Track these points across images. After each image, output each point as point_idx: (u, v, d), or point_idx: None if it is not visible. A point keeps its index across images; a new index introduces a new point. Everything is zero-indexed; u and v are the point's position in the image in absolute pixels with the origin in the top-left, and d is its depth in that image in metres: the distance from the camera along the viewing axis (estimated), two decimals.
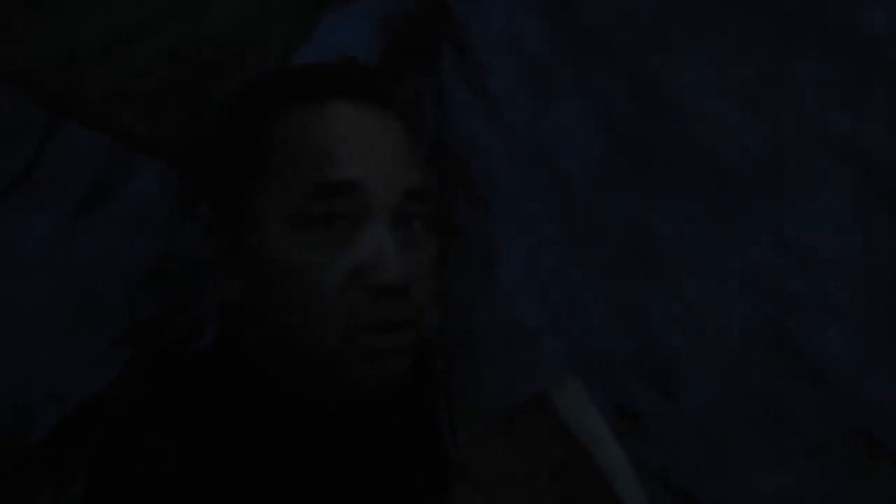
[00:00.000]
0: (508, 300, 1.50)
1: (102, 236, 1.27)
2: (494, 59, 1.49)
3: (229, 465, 0.57)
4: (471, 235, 1.53)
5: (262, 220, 0.60)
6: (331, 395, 0.63)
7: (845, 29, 1.22)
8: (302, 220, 0.58)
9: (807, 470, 1.26)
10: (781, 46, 1.28)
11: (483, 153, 1.52)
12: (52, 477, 1.22)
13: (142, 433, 0.58)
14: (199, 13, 1.24)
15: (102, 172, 1.27)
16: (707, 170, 1.35)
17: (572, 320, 1.45)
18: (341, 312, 0.58)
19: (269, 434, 0.61)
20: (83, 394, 1.25)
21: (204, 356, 0.66)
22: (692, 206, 1.37)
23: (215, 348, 0.66)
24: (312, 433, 0.63)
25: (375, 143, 0.61)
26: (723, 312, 1.34)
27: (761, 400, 1.30)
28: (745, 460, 1.31)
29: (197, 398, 0.61)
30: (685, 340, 1.36)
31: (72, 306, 1.24)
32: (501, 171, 1.51)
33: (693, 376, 1.35)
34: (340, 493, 0.64)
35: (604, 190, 1.44)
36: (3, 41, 1.13)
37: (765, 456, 1.29)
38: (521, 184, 1.50)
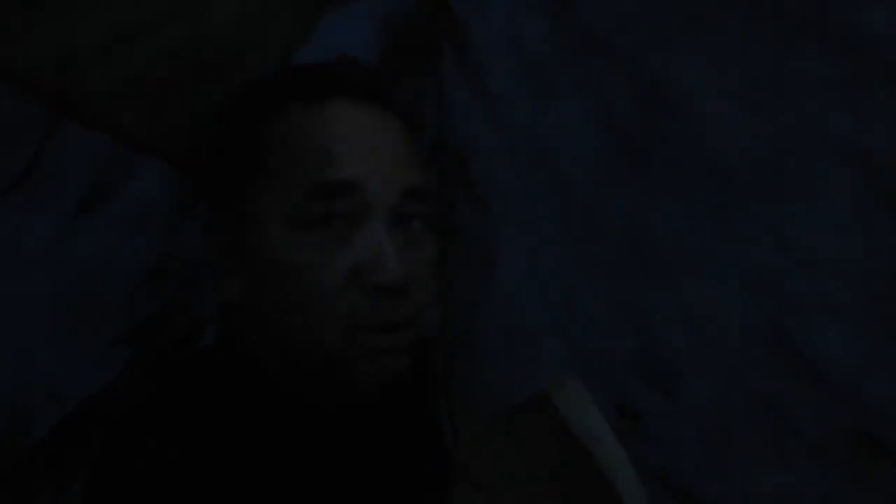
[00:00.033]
0: (508, 300, 1.50)
1: (102, 236, 1.27)
2: (494, 59, 1.49)
3: (229, 466, 0.57)
4: (471, 235, 1.53)
5: (262, 220, 0.60)
6: (331, 395, 0.63)
7: (845, 29, 1.22)
8: (302, 220, 0.58)
9: (807, 470, 1.26)
10: (781, 46, 1.28)
11: (483, 153, 1.52)
12: (52, 477, 1.22)
13: (142, 433, 0.58)
14: (199, 13, 1.24)
15: (102, 172, 1.27)
16: (707, 170, 1.35)
17: (572, 320, 1.45)
18: (341, 312, 0.58)
19: (269, 434, 0.61)
20: (83, 394, 1.25)
21: (204, 356, 0.66)
22: (692, 206, 1.37)
23: (215, 348, 0.66)
24: (312, 433, 0.63)
25: (375, 143, 0.61)
26: (723, 312, 1.34)
27: (761, 400, 1.30)
28: (745, 460, 1.31)
29: (197, 398, 0.61)
30: (685, 340, 1.36)
31: (72, 306, 1.24)
32: (501, 171, 1.51)
33: (693, 376, 1.35)
34: (341, 493, 0.64)
35: (604, 190, 1.43)
36: (3, 41, 1.13)
37: (765, 456, 1.29)
38: (521, 184, 1.50)
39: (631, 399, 1.39)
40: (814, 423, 1.26)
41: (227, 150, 0.64)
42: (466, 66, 1.51)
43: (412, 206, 0.61)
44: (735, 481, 1.31)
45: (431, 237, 0.64)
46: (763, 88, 1.30)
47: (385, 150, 0.61)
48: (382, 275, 0.57)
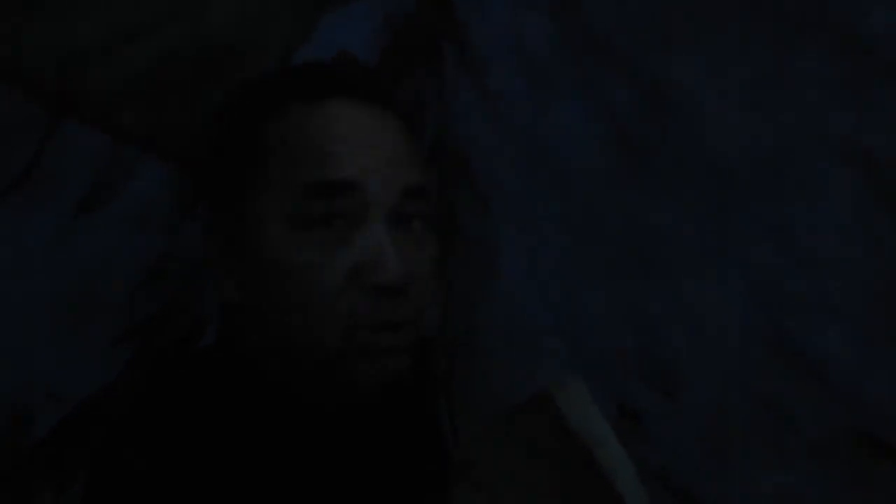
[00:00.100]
0: (508, 300, 1.50)
1: (102, 236, 1.27)
2: (495, 58, 1.49)
3: (229, 465, 0.57)
4: (471, 235, 1.53)
5: (262, 219, 0.60)
6: (331, 394, 0.62)
7: (845, 29, 1.22)
8: (301, 220, 0.58)
9: (807, 470, 1.26)
10: (781, 46, 1.28)
11: (483, 153, 1.52)
12: (52, 477, 1.22)
13: (142, 433, 0.58)
14: (199, 13, 1.24)
15: (102, 172, 1.27)
16: (708, 170, 1.35)
17: (572, 320, 1.45)
18: (341, 312, 0.58)
19: (269, 434, 0.60)
20: (83, 394, 1.25)
21: (204, 356, 0.66)
22: (692, 205, 1.37)
23: (215, 348, 0.66)
24: (312, 433, 0.63)
25: (375, 143, 0.61)
26: (723, 312, 1.34)
27: (761, 400, 1.30)
28: (745, 460, 1.31)
29: (197, 398, 0.61)
30: (685, 340, 1.36)
31: (72, 306, 1.24)
32: (501, 171, 1.51)
33: (693, 376, 1.35)
34: (341, 492, 0.64)
35: (604, 190, 1.43)
36: (3, 41, 1.13)
37: (765, 456, 1.29)
38: (521, 184, 1.50)
39: (631, 399, 1.40)
40: (814, 423, 1.26)
41: (227, 150, 0.64)
42: (467, 66, 1.51)
43: (412, 206, 0.61)
44: (735, 481, 1.31)
45: (431, 237, 0.64)
46: (763, 88, 1.30)
47: (385, 150, 0.61)
48: (382, 275, 0.57)
